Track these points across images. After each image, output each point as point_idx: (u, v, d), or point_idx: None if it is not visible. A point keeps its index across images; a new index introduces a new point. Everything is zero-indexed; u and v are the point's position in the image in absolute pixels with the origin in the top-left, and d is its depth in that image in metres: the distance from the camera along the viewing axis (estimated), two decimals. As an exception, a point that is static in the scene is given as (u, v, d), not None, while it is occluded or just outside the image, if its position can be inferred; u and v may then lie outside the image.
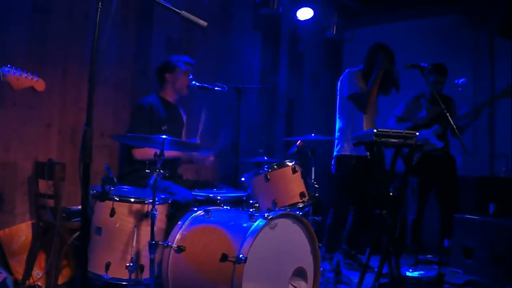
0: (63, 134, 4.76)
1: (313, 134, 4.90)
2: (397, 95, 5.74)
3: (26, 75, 3.31)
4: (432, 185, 6.18)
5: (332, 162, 5.70)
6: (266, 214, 3.42)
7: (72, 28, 4.78)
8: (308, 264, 3.72)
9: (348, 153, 5.51)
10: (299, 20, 7.14)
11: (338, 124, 5.73)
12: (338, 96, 5.73)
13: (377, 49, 5.51)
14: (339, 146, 5.63)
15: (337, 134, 5.70)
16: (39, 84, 3.39)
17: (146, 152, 4.45)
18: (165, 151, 3.62)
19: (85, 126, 2.58)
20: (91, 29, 4.84)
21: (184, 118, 5.23)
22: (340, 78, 5.69)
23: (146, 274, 3.67)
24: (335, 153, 5.67)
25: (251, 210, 3.70)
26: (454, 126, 4.67)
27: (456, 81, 6.41)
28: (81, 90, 4.84)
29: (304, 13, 7.03)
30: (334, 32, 7.64)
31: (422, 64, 4.68)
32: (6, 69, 3.23)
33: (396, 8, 7.73)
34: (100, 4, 2.70)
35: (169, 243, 3.58)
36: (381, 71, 5.36)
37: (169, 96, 5.01)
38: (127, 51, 5.31)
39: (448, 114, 4.66)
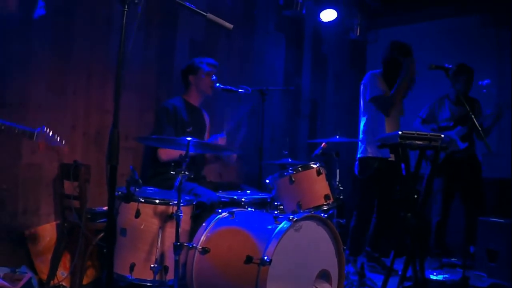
0: (87, 136, 4.79)
1: (337, 136, 4.88)
2: (424, 96, 5.72)
3: (55, 142, 3.42)
4: (456, 187, 6.15)
5: (356, 164, 5.68)
6: (290, 216, 3.40)
7: (95, 31, 4.82)
8: (332, 266, 3.70)
9: (371, 155, 5.49)
10: (322, 21, 7.11)
11: (361, 127, 5.72)
12: (361, 99, 5.71)
13: (404, 52, 5.45)
14: (362, 148, 5.62)
15: (360, 136, 5.68)
16: (64, 149, 3.52)
17: (171, 153, 4.48)
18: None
19: (112, 127, 2.59)
20: (114, 32, 4.89)
21: (207, 121, 5.24)
22: (363, 81, 5.67)
23: (170, 275, 3.67)
24: (358, 155, 5.66)
25: (275, 212, 3.69)
26: (479, 128, 4.64)
27: (480, 82, 6.34)
28: (106, 92, 4.89)
29: (328, 15, 7.00)
30: (358, 33, 7.61)
31: (446, 65, 4.65)
32: (41, 132, 3.33)
33: (419, 8, 7.68)
34: (126, 7, 2.69)
35: (194, 245, 3.58)
36: (409, 76, 5.30)
37: (193, 98, 5.02)
38: (151, 54, 5.34)
39: (473, 115, 4.63)
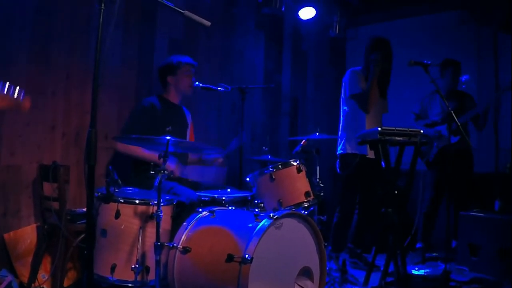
0: (67, 136, 4.75)
1: (317, 134, 4.88)
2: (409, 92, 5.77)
3: (10, 93, 2.82)
4: (447, 182, 6.17)
5: (337, 161, 5.70)
6: (271, 214, 3.40)
7: (75, 30, 4.77)
8: (314, 263, 3.71)
9: (350, 151, 5.52)
10: (301, 19, 7.11)
11: (341, 123, 5.73)
12: (341, 96, 5.73)
13: (372, 47, 5.50)
14: (341, 145, 5.65)
15: (340, 133, 5.71)
16: (24, 104, 2.93)
17: (129, 147, 4.49)
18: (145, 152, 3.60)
19: (89, 127, 2.58)
20: (93, 31, 4.85)
21: (189, 119, 5.21)
22: (343, 78, 5.69)
23: (152, 276, 3.65)
24: (338, 152, 5.68)
25: (256, 210, 3.69)
26: (458, 123, 4.67)
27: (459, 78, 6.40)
28: (85, 92, 4.84)
29: (307, 12, 6.99)
30: (337, 31, 7.60)
31: (426, 61, 4.68)
32: None
33: (398, 5, 7.70)
34: (102, 5, 2.68)
35: (175, 244, 3.57)
36: (376, 71, 5.35)
37: (172, 97, 4.98)
38: (130, 53, 5.31)
39: (452, 112, 4.68)
